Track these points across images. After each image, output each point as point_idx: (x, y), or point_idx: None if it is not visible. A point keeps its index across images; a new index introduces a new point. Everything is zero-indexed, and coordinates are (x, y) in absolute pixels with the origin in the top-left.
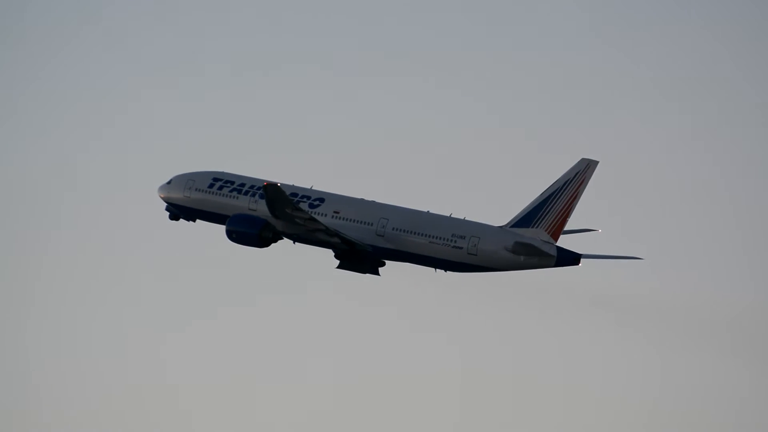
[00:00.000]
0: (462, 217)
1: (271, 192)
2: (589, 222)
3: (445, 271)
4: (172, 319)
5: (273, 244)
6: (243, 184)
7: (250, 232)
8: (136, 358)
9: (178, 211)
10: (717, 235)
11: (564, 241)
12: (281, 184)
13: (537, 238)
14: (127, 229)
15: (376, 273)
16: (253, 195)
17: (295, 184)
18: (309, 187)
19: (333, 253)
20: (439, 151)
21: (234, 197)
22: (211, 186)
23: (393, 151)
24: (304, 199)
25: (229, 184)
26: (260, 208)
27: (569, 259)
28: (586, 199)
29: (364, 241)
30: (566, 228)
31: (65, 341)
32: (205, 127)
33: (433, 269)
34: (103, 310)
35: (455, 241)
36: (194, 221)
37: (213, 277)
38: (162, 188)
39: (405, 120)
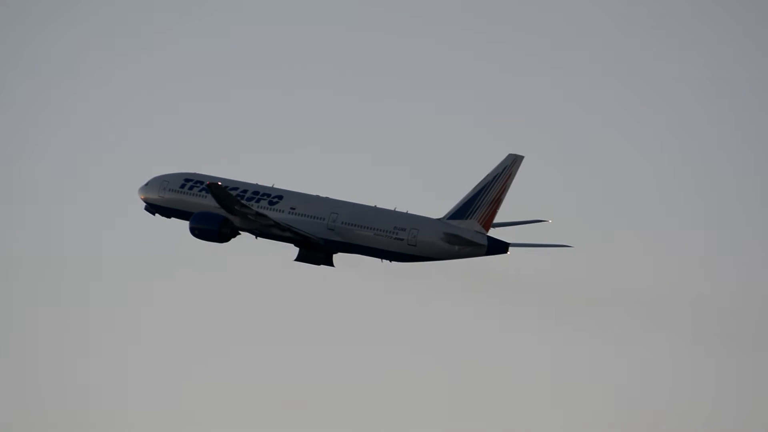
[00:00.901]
0: (405, 211)
1: (215, 191)
2: (518, 213)
3: (390, 261)
4: (133, 311)
5: (233, 240)
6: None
7: (210, 228)
8: (101, 343)
9: (155, 210)
10: (644, 224)
11: (513, 232)
12: (222, 182)
13: (471, 229)
14: (102, 226)
15: (331, 264)
16: None
17: (259, 183)
18: (270, 185)
19: (294, 246)
20: (385, 149)
21: (203, 196)
22: (182, 186)
23: (342, 150)
24: (265, 197)
25: (198, 185)
26: None
27: (499, 247)
28: (516, 191)
29: (317, 235)
30: (517, 219)
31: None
32: (182, 129)
33: (380, 260)
34: (67, 297)
35: (397, 233)
36: (170, 218)
37: (175, 271)
38: (141, 189)
39: (350, 118)
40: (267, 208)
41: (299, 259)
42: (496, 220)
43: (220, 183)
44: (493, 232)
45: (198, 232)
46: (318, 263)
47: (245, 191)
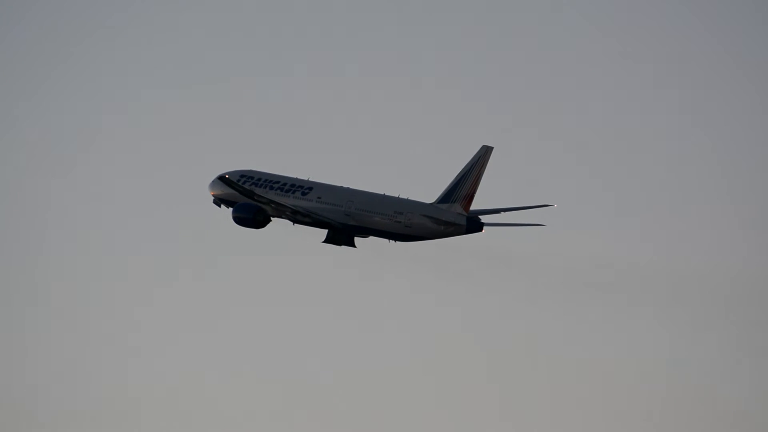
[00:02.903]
0: (407, 197)
1: (227, 184)
2: (493, 199)
3: (395, 241)
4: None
5: (269, 226)
6: (260, 179)
7: (247, 216)
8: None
9: (220, 202)
10: (614, 203)
11: (520, 215)
12: (269, 177)
13: (453, 211)
14: (170, 215)
15: (353, 245)
16: (265, 187)
17: (298, 177)
18: (306, 179)
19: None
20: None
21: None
22: (238, 181)
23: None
24: (299, 188)
25: (250, 180)
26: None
27: (476, 227)
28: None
29: (336, 220)
30: (522, 204)
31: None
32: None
33: (387, 240)
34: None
35: (396, 217)
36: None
37: (218, 253)
38: (210, 185)
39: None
40: (300, 198)
41: (327, 240)
42: (504, 206)
43: (227, 175)
44: (498, 216)
45: (238, 220)
46: (340, 244)
47: (284, 184)
